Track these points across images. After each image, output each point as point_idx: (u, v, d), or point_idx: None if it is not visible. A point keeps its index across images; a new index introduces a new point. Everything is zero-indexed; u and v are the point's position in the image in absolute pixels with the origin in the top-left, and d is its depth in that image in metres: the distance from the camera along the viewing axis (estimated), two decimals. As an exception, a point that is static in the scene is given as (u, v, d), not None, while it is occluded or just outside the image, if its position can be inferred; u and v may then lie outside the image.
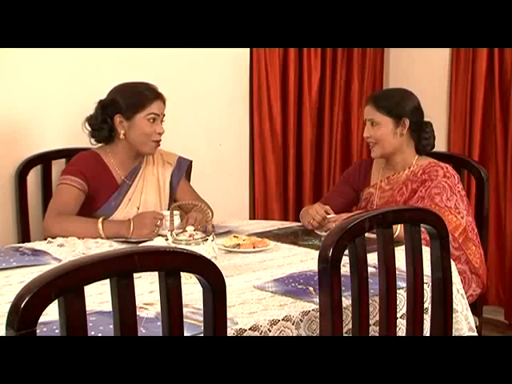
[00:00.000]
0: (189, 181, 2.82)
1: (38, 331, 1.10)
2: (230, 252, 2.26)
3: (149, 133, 2.51)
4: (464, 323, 2.06)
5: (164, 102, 2.55)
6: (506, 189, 3.41)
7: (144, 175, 2.63)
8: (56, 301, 1.12)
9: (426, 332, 1.86)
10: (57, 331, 1.39)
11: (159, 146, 2.56)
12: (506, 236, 3.44)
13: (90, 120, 2.56)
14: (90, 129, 2.57)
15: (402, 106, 2.58)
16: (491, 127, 3.46)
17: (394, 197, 2.62)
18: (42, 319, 1.10)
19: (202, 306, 1.33)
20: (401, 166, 2.66)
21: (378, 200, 2.68)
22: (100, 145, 2.61)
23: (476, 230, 2.58)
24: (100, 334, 1.46)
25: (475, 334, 2.10)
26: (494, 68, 3.39)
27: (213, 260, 1.51)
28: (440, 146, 3.32)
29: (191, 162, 2.79)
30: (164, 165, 2.69)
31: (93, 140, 2.59)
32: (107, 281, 1.20)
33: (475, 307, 2.66)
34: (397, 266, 1.69)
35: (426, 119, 2.66)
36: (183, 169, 2.73)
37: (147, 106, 2.50)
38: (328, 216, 2.50)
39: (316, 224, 2.52)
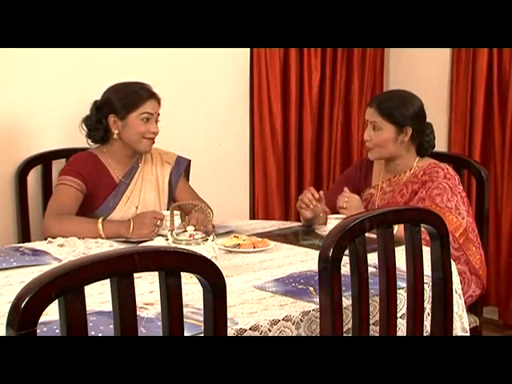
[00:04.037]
0: (187, 180, 2.82)
1: (38, 331, 1.10)
2: (231, 252, 2.26)
3: (142, 132, 2.50)
4: (458, 323, 2.05)
5: (159, 102, 2.55)
6: (504, 189, 3.41)
7: (143, 174, 2.63)
8: (56, 301, 1.12)
9: (426, 332, 1.86)
10: (57, 331, 1.39)
11: (154, 143, 2.56)
12: (503, 236, 3.44)
13: (86, 121, 2.57)
14: (86, 129, 2.58)
15: (405, 114, 2.55)
16: (491, 127, 3.46)
17: (395, 198, 2.62)
18: (42, 319, 1.10)
19: (202, 306, 1.33)
20: (402, 168, 2.65)
21: (379, 201, 2.68)
22: (98, 145, 2.61)
23: (476, 232, 2.57)
24: (100, 334, 1.46)
25: (467, 334, 2.10)
26: (494, 68, 3.38)
27: (213, 260, 1.52)
28: (440, 146, 3.32)
29: (190, 161, 2.79)
30: (163, 164, 2.69)
31: (89, 141, 2.59)
32: (107, 281, 1.20)
33: (475, 308, 2.67)
34: (397, 266, 1.69)
35: (426, 120, 2.66)
36: (182, 168, 2.73)
37: (141, 106, 2.49)
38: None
39: (303, 205, 2.58)
